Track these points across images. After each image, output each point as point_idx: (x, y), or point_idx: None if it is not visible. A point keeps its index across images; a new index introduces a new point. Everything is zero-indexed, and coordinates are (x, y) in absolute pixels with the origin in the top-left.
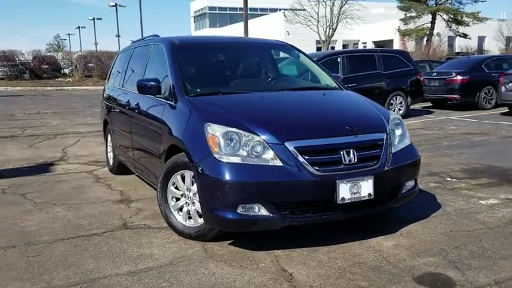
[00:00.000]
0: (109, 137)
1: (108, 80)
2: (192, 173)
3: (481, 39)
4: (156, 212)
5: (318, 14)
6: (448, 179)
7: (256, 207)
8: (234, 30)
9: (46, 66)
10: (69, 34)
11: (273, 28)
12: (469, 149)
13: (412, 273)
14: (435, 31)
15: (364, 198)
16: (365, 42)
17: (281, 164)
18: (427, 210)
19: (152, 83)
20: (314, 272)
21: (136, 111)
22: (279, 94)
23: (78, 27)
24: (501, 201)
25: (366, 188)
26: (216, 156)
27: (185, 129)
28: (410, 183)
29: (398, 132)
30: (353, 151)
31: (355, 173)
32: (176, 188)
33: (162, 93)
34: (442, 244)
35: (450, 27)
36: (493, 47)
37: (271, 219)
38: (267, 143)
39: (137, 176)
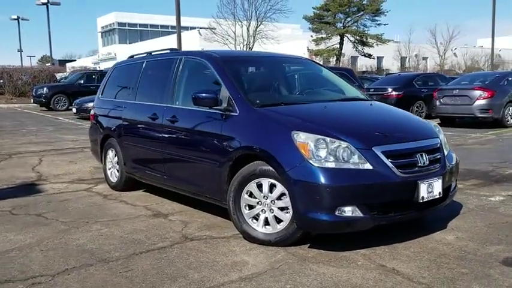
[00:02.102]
0: (110, 153)
1: (102, 94)
2: (270, 180)
3: (380, 59)
4: (205, 223)
5: (235, 34)
6: None
7: (351, 209)
8: (146, 47)
9: None
10: None
11: (189, 45)
12: None
13: (496, 259)
14: (343, 51)
15: (436, 197)
16: None
17: (371, 168)
18: (454, 208)
19: (210, 95)
20: (412, 265)
21: (175, 123)
22: (337, 104)
23: None
24: (506, 198)
25: (437, 187)
26: (311, 162)
27: (265, 138)
28: (453, 183)
29: (441, 137)
30: (425, 154)
31: (428, 174)
32: (250, 196)
33: (219, 104)
34: (493, 234)
35: (357, 48)
36: (391, 66)
37: (364, 220)
38: (356, 148)
39: (145, 191)
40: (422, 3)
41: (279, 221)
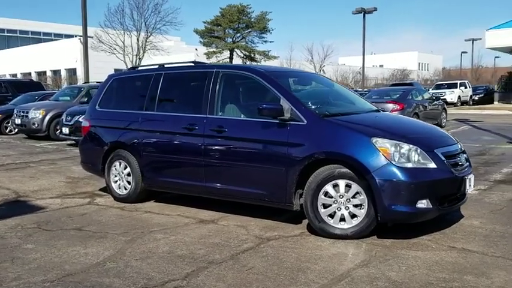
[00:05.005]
0: (118, 165)
1: (99, 105)
2: (346, 181)
3: None
4: (262, 226)
5: (124, 43)
6: None
7: (425, 201)
8: (17, 54)
9: None
10: None
11: (68, 53)
12: None
13: None
14: None
15: (472, 190)
16: None
17: (436, 167)
18: None
19: (277, 106)
20: (474, 244)
21: (223, 133)
22: (379, 114)
23: None
24: (479, 191)
25: (472, 182)
26: (393, 163)
27: (344, 144)
28: None
29: None
30: (462, 155)
31: (467, 171)
32: (325, 195)
33: (282, 115)
34: (504, 218)
35: (245, 63)
36: None
37: (432, 210)
38: (423, 151)
39: (156, 201)
40: (301, 25)
41: (352, 216)
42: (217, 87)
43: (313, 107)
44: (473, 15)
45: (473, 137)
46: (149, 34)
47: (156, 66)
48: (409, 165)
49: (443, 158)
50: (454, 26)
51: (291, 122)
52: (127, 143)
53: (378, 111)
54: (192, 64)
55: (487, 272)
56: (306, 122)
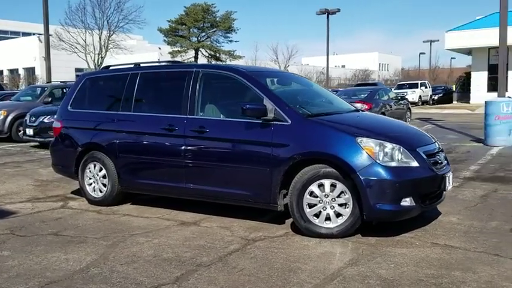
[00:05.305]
0: (93, 167)
1: (71, 106)
2: (331, 180)
3: None
4: (246, 227)
5: (85, 42)
6: None
7: (409, 200)
8: None
9: None
10: None
11: (27, 52)
12: None
13: (505, 230)
14: None
15: (450, 188)
16: None
17: (418, 165)
18: None
19: (261, 106)
20: (455, 240)
21: (204, 133)
22: (361, 114)
23: None
24: (452, 189)
25: (451, 180)
26: (378, 162)
27: (329, 144)
28: None
29: None
30: (441, 154)
31: (446, 169)
32: (311, 195)
33: (266, 115)
34: (479, 214)
35: (211, 62)
36: None
37: (415, 208)
38: (405, 150)
39: (132, 204)
40: (266, 25)
41: (338, 215)
42: (198, 87)
43: (295, 106)
44: (430, 17)
45: (438, 136)
46: (112, 33)
47: (131, 66)
48: (393, 164)
49: (424, 157)
50: (412, 28)
51: (275, 122)
52: (102, 144)
53: (357, 111)
54: (170, 63)
55: (472, 268)
56: (290, 122)
